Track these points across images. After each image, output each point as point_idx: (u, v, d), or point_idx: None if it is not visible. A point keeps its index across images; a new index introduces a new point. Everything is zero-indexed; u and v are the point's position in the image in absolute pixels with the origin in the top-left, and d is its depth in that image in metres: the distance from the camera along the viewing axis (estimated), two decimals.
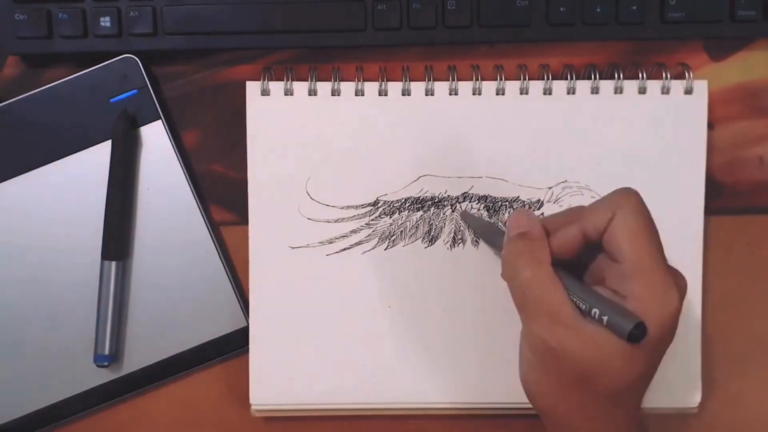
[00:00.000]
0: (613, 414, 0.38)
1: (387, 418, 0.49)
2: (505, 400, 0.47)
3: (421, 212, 0.47)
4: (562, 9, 0.46)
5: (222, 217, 0.49)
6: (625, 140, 0.47)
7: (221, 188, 0.49)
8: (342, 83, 0.47)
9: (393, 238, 0.47)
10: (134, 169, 0.48)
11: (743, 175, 0.49)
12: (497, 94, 0.47)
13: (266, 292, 0.47)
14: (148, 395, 0.49)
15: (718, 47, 0.49)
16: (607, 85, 0.47)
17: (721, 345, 0.49)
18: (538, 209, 0.47)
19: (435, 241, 0.47)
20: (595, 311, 0.36)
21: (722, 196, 0.49)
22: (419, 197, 0.47)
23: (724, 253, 0.49)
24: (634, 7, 0.46)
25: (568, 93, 0.47)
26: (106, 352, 0.47)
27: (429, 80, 0.47)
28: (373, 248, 0.47)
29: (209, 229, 0.48)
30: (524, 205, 0.47)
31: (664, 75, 0.47)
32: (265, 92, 0.47)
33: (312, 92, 0.47)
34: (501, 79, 0.47)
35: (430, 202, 0.47)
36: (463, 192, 0.47)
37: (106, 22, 0.46)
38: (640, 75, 0.47)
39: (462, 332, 0.47)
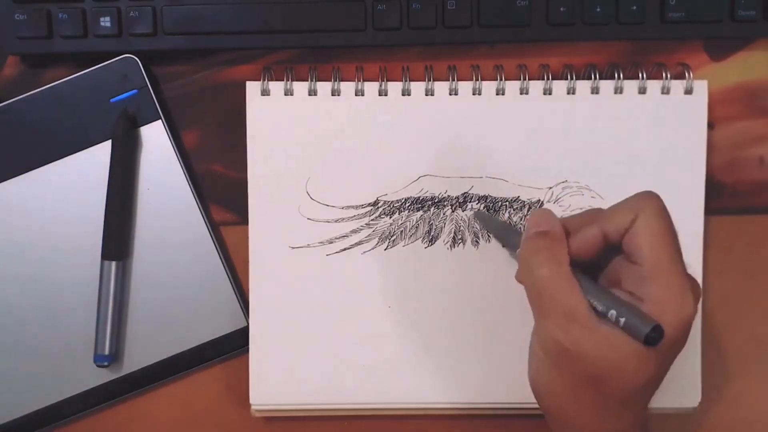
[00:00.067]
0: (623, 416, 0.38)
1: (387, 418, 0.49)
2: (505, 400, 0.47)
3: (421, 212, 0.47)
4: (562, 9, 0.46)
5: (222, 217, 0.49)
6: (625, 140, 0.47)
7: (221, 188, 0.49)
8: (342, 83, 0.47)
9: (393, 238, 0.47)
10: (134, 169, 0.48)
11: (743, 175, 0.49)
12: (497, 94, 0.47)
13: (266, 292, 0.47)
14: (148, 395, 0.49)
15: (718, 47, 0.49)
16: (607, 85, 0.47)
17: (721, 345, 0.49)
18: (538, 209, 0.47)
19: (435, 241, 0.47)
20: (612, 313, 0.36)
21: (722, 196, 0.49)
22: (419, 197, 0.47)
23: (724, 253, 0.49)
24: (634, 7, 0.46)
25: (568, 93, 0.47)
26: (106, 352, 0.47)
27: (429, 80, 0.47)
28: (373, 248, 0.47)
29: (209, 229, 0.48)
30: (524, 205, 0.47)
31: (664, 75, 0.47)
32: (265, 92, 0.47)
33: (312, 92, 0.47)
34: (501, 79, 0.47)
35: (430, 202, 0.47)
36: (463, 192, 0.47)
37: (106, 22, 0.46)
38: (640, 75, 0.47)
39: (462, 332, 0.47)
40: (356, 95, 0.47)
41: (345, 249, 0.47)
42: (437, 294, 0.47)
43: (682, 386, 0.48)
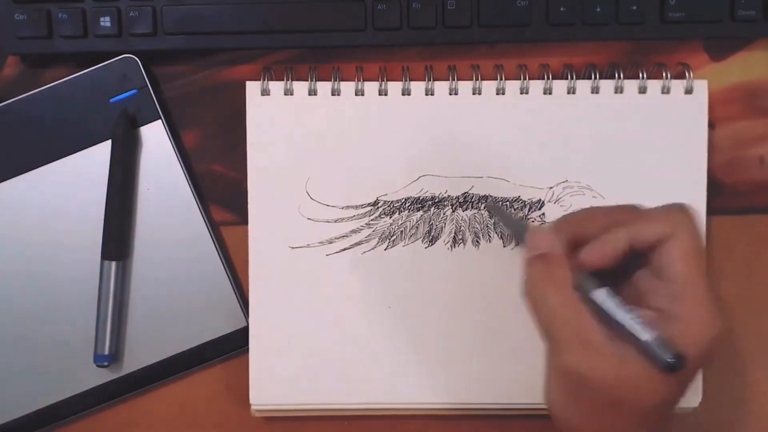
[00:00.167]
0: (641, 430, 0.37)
1: (387, 418, 0.49)
2: (505, 401, 0.47)
3: (421, 212, 0.47)
4: (562, 9, 0.46)
5: (222, 217, 0.49)
6: (626, 140, 0.47)
7: (221, 188, 0.49)
8: (342, 83, 0.47)
9: (393, 238, 0.47)
10: (134, 169, 0.48)
11: (744, 175, 0.49)
12: (497, 94, 0.47)
13: (266, 292, 0.47)
14: (148, 395, 0.49)
15: (718, 47, 0.49)
16: (607, 85, 0.47)
17: (721, 345, 0.49)
18: (539, 209, 0.47)
19: (435, 241, 0.47)
20: (632, 337, 0.35)
21: (723, 196, 0.49)
22: (419, 197, 0.47)
23: (725, 253, 0.49)
24: (634, 7, 0.46)
25: (568, 93, 0.47)
26: (106, 352, 0.47)
27: (429, 80, 0.47)
28: (373, 248, 0.47)
29: (209, 229, 0.48)
30: (524, 205, 0.47)
31: (664, 75, 0.47)
32: (265, 92, 0.47)
33: (312, 92, 0.47)
34: (501, 79, 0.47)
35: (430, 202, 0.47)
36: (463, 192, 0.47)
37: (106, 22, 0.46)
38: (640, 75, 0.47)
39: (462, 332, 0.47)
40: (356, 95, 0.47)
41: (345, 249, 0.47)
42: (437, 294, 0.47)
43: None
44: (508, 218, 0.46)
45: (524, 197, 0.47)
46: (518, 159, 0.47)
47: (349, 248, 0.47)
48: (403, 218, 0.47)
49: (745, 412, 0.49)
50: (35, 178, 0.47)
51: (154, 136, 0.48)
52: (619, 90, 0.47)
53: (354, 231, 0.47)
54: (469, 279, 0.47)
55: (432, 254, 0.47)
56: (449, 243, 0.47)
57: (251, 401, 0.47)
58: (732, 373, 0.49)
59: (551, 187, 0.47)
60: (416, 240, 0.47)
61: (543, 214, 0.47)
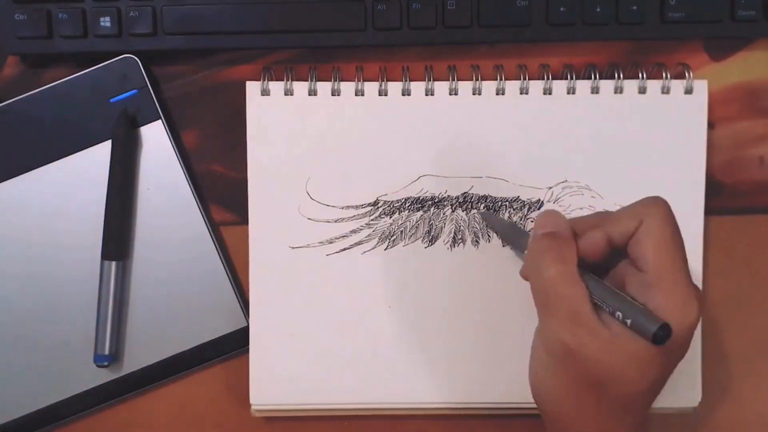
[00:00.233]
0: (623, 421, 0.38)
1: (387, 418, 0.49)
2: (505, 401, 0.47)
3: (421, 212, 0.47)
4: (562, 9, 0.46)
5: (222, 217, 0.49)
6: (625, 140, 0.47)
7: (221, 188, 0.49)
8: (342, 83, 0.47)
9: (393, 238, 0.47)
10: (134, 169, 0.48)
11: (743, 175, 0.49)
12: (497, 94, 0.47)
13: (266, 292, 0.47)
14: (148, 395, 0.49)
15: (718, 47, 0.49)
16: (607, 85, 0.47)
17: (721, 345, 0.49)
18: (538, 209, 0.47)
19: (435, 241, 0.47)
20: (619, 314, 0.36)
21: (722, 196, 0.49)
22: (419, 197, 0.47)
23: (725, 253, 0.49)
24: (634, 7, 0.46)
25: (568, 93, 0.47)
26: (106, 352, 0.47)
27: (429, 80, 0.47)
28: (373, 248, 0.47)
29: (209, 229, 0.48)
30: (524, 205, 0.47)
31: (664, 75, 0.47)
32: (265, 92, 0.47)
33: (312, 92, 0.47)
34: (501, 79, 0.47)
35: (430, 202, 0.47)
36: (463, 192, 0.47)
37: (106, 22, 0.46)
38: (640, 75, 0.47)
39: (462, 332, 0.47)
40: (356, 95, 0.47)
41: (345, 249, 0.47)
42: (437, 294, 0.47)
43: (682, 386, 0.48)
44: (501, 224, 0.46)
45: (523, 197, 0.47)
46: (518, 159, 0.47)
47: (349, 248, 0.47)
48: (403, 218, 0.47)
49: (745, 412, 0.50)
50: (35, 178, 0.47)
51: (154, 136, 0.48)
52: (619, 90, 0.47)
53: (354, 231, 0.47)
54: (469, 279, 0.47)
55: (432, 254, 0.47)
56: (449, 243, 0.47)
57: (251, 401, 0.47)
58: (732, 373, 0.49)
59: (550, 187, 0.47)
60: (416, 240, 0.47)
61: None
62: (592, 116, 0.47)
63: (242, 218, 0.48)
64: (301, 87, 0.47)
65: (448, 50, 0.49)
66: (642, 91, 0.47)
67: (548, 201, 0.47)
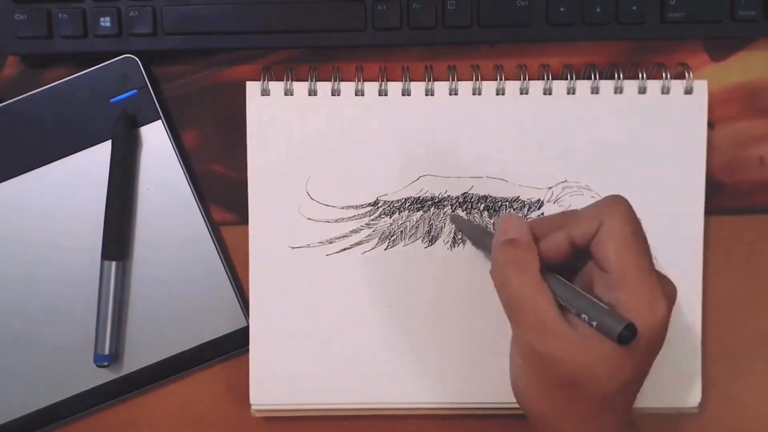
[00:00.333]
0: (603, 419, 0.38)
1: (387, 418, 0.49)
2: (505, 401, 0.47)
3: (421, 212, 0.47)
4: (562, 9, 0.46)
5: (222, 217, 0.49)
6: (625, 140, 0.47)
7: (221, 188, 0.49)
8: (342, 83, 0.47)
9: (393, 238, 0.47)
10: (134, 169, 0.48)
11: (743, 175, 0.49)
12: (497, 94, 0.47)
13: (266, 292, 0.47)
14: (148, 395, 0.49)
15: (718, 47, 0.49)
16: (607, 85, 0.47)
17: (721, 345, 0.49)
18: (538, 209, 0.47)
19: (435, 241, 0.47)
20: (585, 316, 0.36)
21: (722, 196, 0.49)
22: (419, 197, 0.47)
23: (724, 253, 0.49)
24: (634, 7, 0.46)
25: (568, 93, 0.47)
26: (106, 352, 0.47)
27: (429, 80, 0.47)
28: (373, 248, 0.47)
29: (209, 229, 0.48)
30: (524, 205, 0.47)
31: (664, 75, 0.47)
32: (265, 92, 0.47)
33: (312, 92, 0.47)
34: (501, 79, 0.47)
35: (430, 202, 0.47)
36: (463, 192, 0.47)
37: (106, 22, 0.46)
38: (640, 75, 0.47)
39: (462, 332, 0.47)
40: (356, 95, 0.47)
41: (345, 249, 0.47)
42: (437, 294, 0.47)
43: (682, 386, 0.48)
44: (468, 227, 0.46)
45: (523, 197, 0.47)
46: (518, 159, 0.47)
47: (349, 248, 0.47)
48: (403, 218, 0.47)
49: (745, 412, 0.50)
50: (35, 178, 0.47)
51: (154, 136, 0.48)
52: (618, 90, 0.47)
53: (354, 231, 0.47)
54: (468, 279, 0.47)
55: (432, 254, 0.47)
56: (449, 243, 0.47)
57: (251, 401, 0.47)
58: (732, 373, 0.49)
59: (550, 187, 0.47)
60: (416, 240, 0.47)
61: (542, 214, 0.47)
62: (592, 116, 0.47)
63: (242, 218, 0.48)
64: (301, 87, 0.47)
65: (448, 50, 0.49)
66: (642, 91, 0.47)
67: (548, 201, 0.47)
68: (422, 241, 0.47)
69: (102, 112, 0.47)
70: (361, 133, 0.47)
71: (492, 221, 0.47)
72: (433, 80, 0.47)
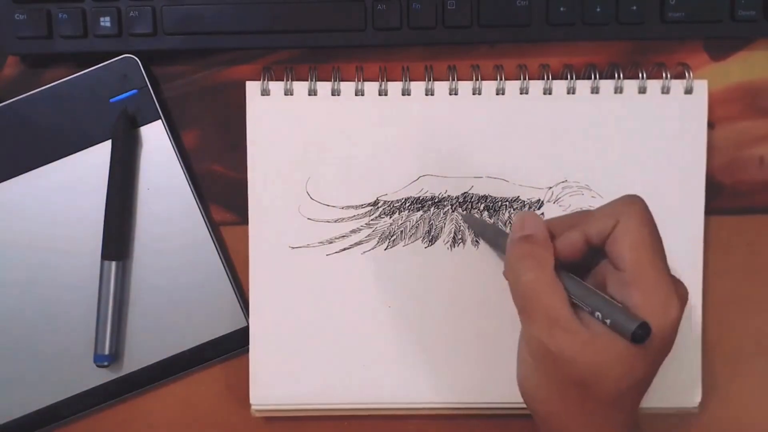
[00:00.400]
0: (611, 418, 0.38)
1: (387, 418, 0.49)
2: (505, 400, 0.47)
3: (421, 212, 0.47)
4: (562, 9, 0.46)
5: (222, 217, 0.49)
6: (625, 140, 0.47)
7: (221, 188, 0.49)
8: (342, 83, 0.47)
9: (393, 238, 0.47)
10: (134, 169, 0.48)
11: (743, 175, 0.49)
12: (497, 94, 0.47)
13: (266, 292, 0.47)
14: (148, 395, 0.49)
15: (718, 47, 0.49)
16: (607, 85, 0.47)
17: (721, 345, 0.49)
18: (538, 209, 0.47)
19: (435, 241, 0.47)
20: (598, 314, 0.36)
21: (722, 196, 0.49)
22: (419, 197, 0.47)
23: (724, 253, 0.49)
24: (634, 7, 0.46)
25: (568, 93, 0.47)
26: (106, 352, 0.47)
27: (429, 80, 0.47)
28: (373, 248, 0.47)
29: (209, 229, 0.48)
30: (524, 205, 0.47)
31: (664, 75, 0.47)
32: (265, 92, 0.47)
33: (312, 92, 0.47)
34: (501, 79, 0.47)
35: (430, 202, 0.47)
36: (463, 192, 0.47)
37: (106, 22, 0.46)
38: (640, 75, 0.47)
39: (462, 332, 0.47)
40: (356, 95, 0.47)
41: (345, 249, 0.47)
42: (437, 294, 0.47)
43: (682, 386, 0.48)
44: (483, 226, 0.46)
45: (523, 197, 0.47)
46: (518, 159, 0.47)
47: (349, 248, 0.47)
48: (403, 218, 0.47)
49: (745, 412, 0.50)
50: (35, 178, 0.47)
51: (154, 136, 0.48)
52: (618, 90, 0.47)
53: (354, 231, 0.47)
54: (468, 279, 0.47)
55: (432, 254, 0.47)
56: (449, 243, 0.47)
57: (251, 401, 0.47)
58: (732, 373, 0.49)
59: (550, 187, 0.47)
60: (416, 240, 0.47)
61: (542, 213, 0.47)
62: (592, 116, 0.47)
63: (242, 218, 0.48)
64: (301, 87, 0.47)
65: (448, 50, 0.49)
66: (642, 91, 0.47)
67: (548, 201, 0.47)
68: (422, 241, 0.47)
69: (102, 112, 0.47)
70: (361, 133, 0.47)
71: (492, 221, 0.47)
72: (433, 80, 0.47)
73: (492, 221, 0.47)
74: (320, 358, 0.47)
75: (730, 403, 0.49)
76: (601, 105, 0.47)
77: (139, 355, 0.48)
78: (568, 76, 0.47)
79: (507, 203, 0.47)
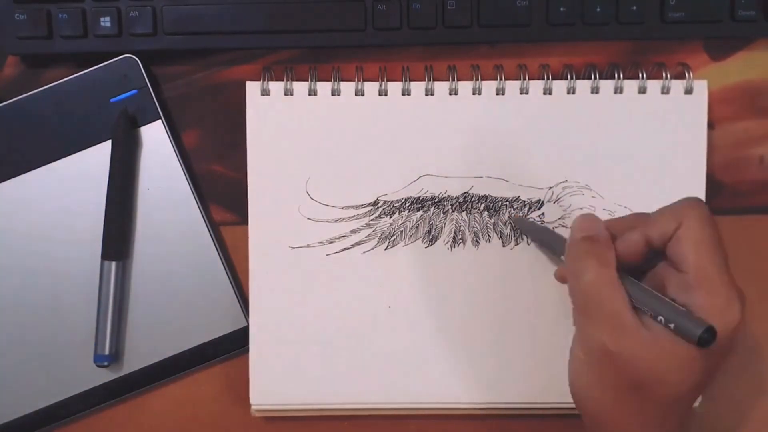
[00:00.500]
0: (666, 422, 0.37)
1: (387, 418, 0.49)
2: (506, 400, 0.47)
3: (421, 212, 0.47)
4: (562, 9, 0.46)
5: (222, 217, 0.49)
6: (625, 140, 0.47)
7: (221, 188, 0.49)
8: (342, 83, 0.47)
9: (393, 238, 0.47)
10: (134, 169, 0.48)
11: (743, 175, 0.49)
12: (497, 94, 0.47)
13: (266, 292, 0.47)
14: (148, 395, 0.49)
15: (718, 47, 0.49)
16: (607, 85, 0.47)
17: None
18: (538, 209, 0.47)
19: (435, 241, 0.47)
20: (661, 318, 0.36)
21: (722, 196, 0.49)
22: (419, 197, 0.47)
23: None
24: (634, 7, 0.46)
25: (568, 93, 0.47)
26: (106, 352, 0.47)
27: (429, 80, 0.47)
28: (373, 248, 0.47)
29: (209, 229, 0.48)
30: (524, 205, 0.47)
31: (664, 75, 0.47)
32: (265, 92, 0.47)
33: (312, 92, 0.47)
34: (501, 79, 0.47)
35: (430, 202, 0.47)
36: (463, 192, 0.47)
37: (106, 22, 0.46)
38: (640, 75, 0.47)
39: (461, 332, 0.47)
40: (356, 95, 0.47)
41: (345, 249, 0.47)
42: (437, 294, 0.47)
43: None
44: (535, 229, 0.46)
45: (524, 197, 0.47)
46: (518, 159, 0.47)
47: (349, 248, 0.47)
48: (403, 218, 0.47)
49: (745, 412, 0.49)
50: (35, 178, 0.47)
51: (154, 136, 0.48)
52: (618, 90, 0.47)
53: (354, 231, 0.47)
54: (468, 279, 0.47)
55: (432, 254, 0.47)
56: (449, 243, 0.47)
57: (251, 401, 0.47)
58: (732, 373, 0.49)
59: (551, 187, 0.47)
60: (416, 240, 0.47)
61: (542, 213, 0.47)
62: (592, 116, 0.47)
63: (242, 218, 0.48)
64: (301, 87, 0.47)
65: (448, 50, 0.49)
66: (642, 91, 0.47)
67: (548, 201, 0.47)
68: (422, 241, 0.47)
69: (102, 112, 0.47)
70: (361, 133, 0.47)
71: (492, 221, 0.47)
72: (433, 80, 0.47)
73: (492, 220, 0.47)
74: (320, 358, 0.47)
75: (730, 404, 0.49)
76: (601, 105, 0.47)
77: (139, 355, 0.48)
78: (568, 76, 0.47)
79: (507, 203, 0.47)
